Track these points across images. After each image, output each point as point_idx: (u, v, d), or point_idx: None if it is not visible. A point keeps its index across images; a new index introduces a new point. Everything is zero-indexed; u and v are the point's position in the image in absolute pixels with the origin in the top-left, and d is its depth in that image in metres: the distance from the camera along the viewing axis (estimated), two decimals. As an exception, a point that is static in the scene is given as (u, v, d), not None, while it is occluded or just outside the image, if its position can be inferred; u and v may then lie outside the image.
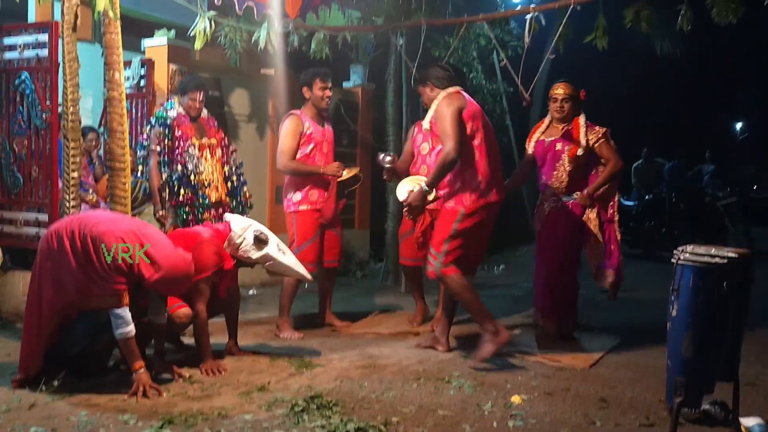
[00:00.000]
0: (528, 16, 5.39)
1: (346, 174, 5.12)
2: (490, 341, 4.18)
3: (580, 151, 4.77)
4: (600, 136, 4.82)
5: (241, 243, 4.14)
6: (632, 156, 11.60)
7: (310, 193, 5.11)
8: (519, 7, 6.09)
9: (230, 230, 4.19)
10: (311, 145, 5.10)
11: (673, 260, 3.26)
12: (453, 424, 3.21)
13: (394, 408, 3.42)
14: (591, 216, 4.81)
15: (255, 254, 4.16)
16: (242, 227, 4.17)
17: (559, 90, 4.89)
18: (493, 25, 6.59)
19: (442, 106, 4.19)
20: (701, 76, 13.97)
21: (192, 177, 5.08)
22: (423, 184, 4.25)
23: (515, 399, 3.57)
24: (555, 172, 4.87)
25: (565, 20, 5.28)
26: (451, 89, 4.30)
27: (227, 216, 4.44)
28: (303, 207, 5.09)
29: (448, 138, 4.09)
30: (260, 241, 4.14)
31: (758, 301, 3.69)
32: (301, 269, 4.35)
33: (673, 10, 5.11)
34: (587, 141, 4.78)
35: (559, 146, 4.86)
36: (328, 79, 5.13)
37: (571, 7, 5.23)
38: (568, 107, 4.87)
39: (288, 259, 4.28)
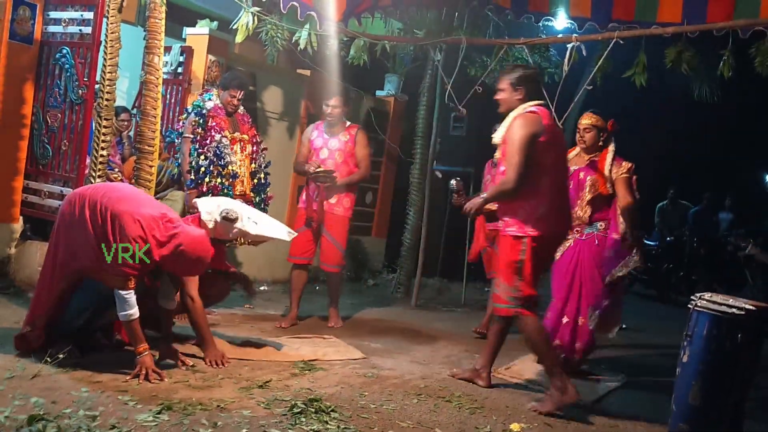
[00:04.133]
0: (569, 45, 5.38)
1: (319, 168, 5.39)
2: (552, 398, 3.83)
3: (609, 188, 4.68)
4: (623, 171, 4.72)
5: (214, 228, 4.12)
6: (658, 195, 11.51)
7: (304, 193, 5.59)
8: (561, 35, 6.06)
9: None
10: (312, 151, 5.60)
11: (689, 305, 3.23)
12: (449, 444, 3.19)
13: (392, 421, 3.40)
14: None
15: (229, 235, 4.16)
16: (209, 211, 4.15)
17: (584, 120, 4.81)
18: (532, 50, 6.59)
19: (515, 127, 3.86)
20: (737, 124, 13.82)
21: (220, 167, 5.13)
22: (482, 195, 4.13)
23: (514, 426, 3.53)
24: (579, 201, 4.77)
25: (606, 53, 5.26)
26: (530, 105, 3.95)
27: (195, 200, 4.49)
28: (299, 205, 5.66)
29: (511, 165, 3.82)
30: (230, 220, 4.10)
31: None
32: (277, 233, 4.30)
33: (716, 55, 5.08)
34: (611, 175, 4.69)
35: (582, 175, 4.77)
36: (329, 97, 5.56)
37: (614, 40, 5.22)
38: (590, 137, 4.77)
39: (261, 228, 4.22)
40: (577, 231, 4.78)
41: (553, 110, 5.38)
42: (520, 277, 3.89)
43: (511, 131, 3.87)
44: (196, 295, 4.07)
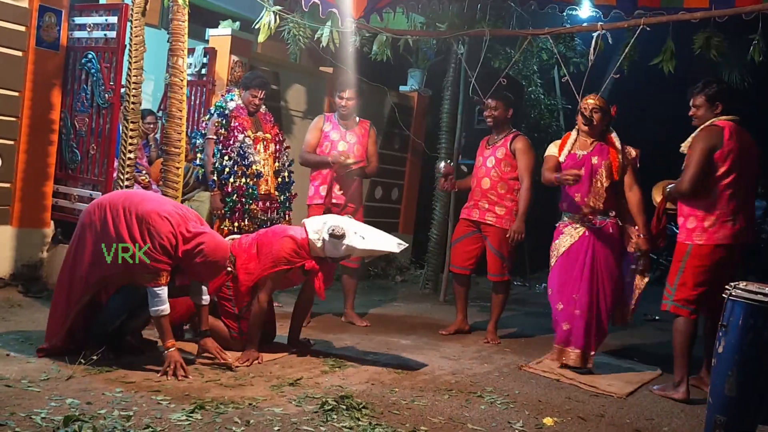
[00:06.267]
0: (595, 34, 5.30)
1: (351, 160, 5.32)
2: (667, 388, 4.28)
3: (620, 174, 4.58)
4: (632, 158, 4.65)
5: (322, 246, 4.09)
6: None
7: (321, 187, 5.39)
8: (586, 24, 5.96)
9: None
10: (326, 143, 5.47)
11: (724, 295, 3.16)
12: (482, 440, 3.17)
13: (423, 417, 3.39)
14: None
15: (339, 252, 4.10)
16: (316, 230, 4.10)
17: (589, 100, 4.67)
18: (557, 40, 6.53)
19: (698, 138, 4.18)
20: (768, 110, 13.58)
21: (244, 167, 5.16)
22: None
23: (547, 420, 3.50)
24: (592, 188, 4.59)
25: (632, 41, 5.17)
26: (719, 119, 4.21)
27: (304, 221, 4.33)
28: (316, 201, 5.39)
29: (687, 171, 4.16)
30: (337, 237, 4.04)
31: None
32: (387, 245, 4.18)
33: (745, 39, 4.97)
34: (625, 159, 4.60)
35: (595, 160, 4.60)
36: (343, 89, 5.50)
37: (640, 28, 5.13)
38: (598, 118, 4.61)
39: (369, 242, 4.13)
40: (589, 218, 4.63)
41: (579, 100, 5.30)
42: (678, 280, 4.20)
43: (694, 141, 4.20)
44: (264, 300, 4.12)
